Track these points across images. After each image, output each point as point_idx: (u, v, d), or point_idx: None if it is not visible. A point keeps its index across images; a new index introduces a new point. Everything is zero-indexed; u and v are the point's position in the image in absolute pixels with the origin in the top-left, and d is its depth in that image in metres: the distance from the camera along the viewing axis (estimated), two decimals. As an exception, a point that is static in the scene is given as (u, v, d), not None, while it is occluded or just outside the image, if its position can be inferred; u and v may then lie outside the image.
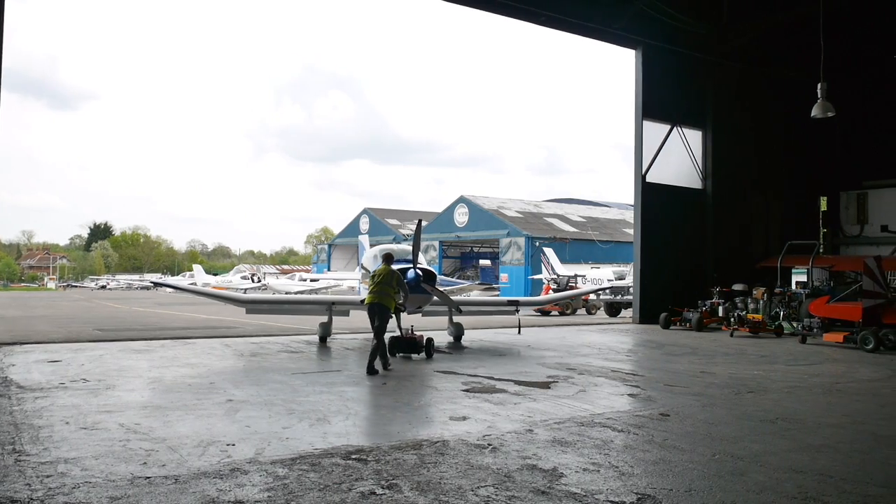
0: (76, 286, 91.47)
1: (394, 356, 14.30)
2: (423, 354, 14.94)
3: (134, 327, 23.28)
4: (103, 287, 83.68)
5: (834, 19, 24.28)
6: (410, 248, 16.86)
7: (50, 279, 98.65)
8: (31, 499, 5.48)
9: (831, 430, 8.66)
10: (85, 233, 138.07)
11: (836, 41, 24.46)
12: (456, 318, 18.36)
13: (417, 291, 14.60)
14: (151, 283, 70.85)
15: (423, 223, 73.64)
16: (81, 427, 8.11)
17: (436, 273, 15.74)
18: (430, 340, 15.01)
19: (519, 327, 18.12)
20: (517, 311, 18.57)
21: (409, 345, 14.80)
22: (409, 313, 16.00)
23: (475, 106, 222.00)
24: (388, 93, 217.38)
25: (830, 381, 13.02)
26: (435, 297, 15.60)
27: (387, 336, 13.52)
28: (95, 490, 5.71)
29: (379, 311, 12.95)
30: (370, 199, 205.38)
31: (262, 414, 9.06)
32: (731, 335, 22.46)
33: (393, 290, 13.07)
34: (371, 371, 12.40)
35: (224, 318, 26.28)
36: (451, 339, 18.44)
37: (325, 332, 17.96)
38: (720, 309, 25.17)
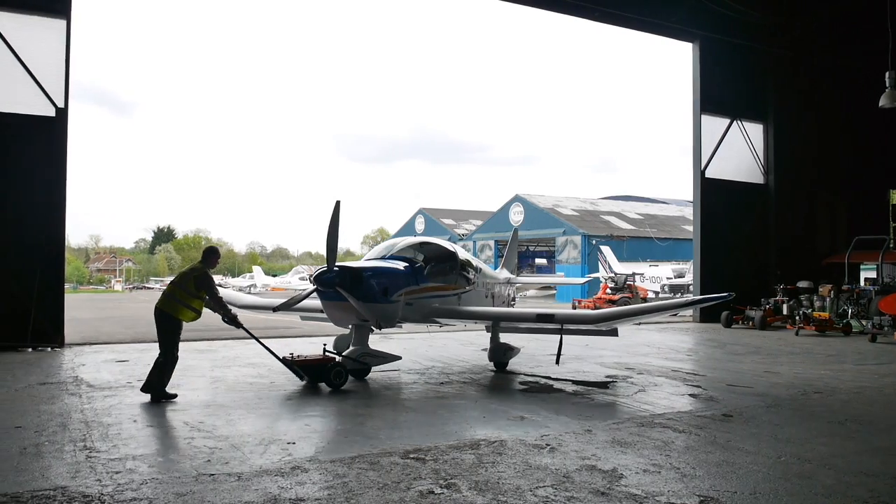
0: (144, 287, 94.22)
1: (309, 382, 11.23)
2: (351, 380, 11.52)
3: (196, 328, 23.78)
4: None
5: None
6: (440, 242, 14.27)
7: (117, 282, 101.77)
8: (102, 494, 5.66)
9: (904, 432, 8.36)
10: (149, 236, 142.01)
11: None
12: (502, 338, 13.73)
13: (332, 298, 11.10)
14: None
15: (478, 222, 72.39)
16: (148, 425, 8.37)
17: (363, 271, 11.28)
18: (333, 367, 10.99)
19: (558, 355, 11.99)
20: (561, 329, 12.08)
21: (308, 369, 11.09)
22: (378, 328, 12.27)
23: (528, 104, 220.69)
24: (440, 93, 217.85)
25: (903, 381, 12.54)
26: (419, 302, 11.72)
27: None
28: (162, 486, 5.87)
29: (160, 319, 10.08)
30: (425, 199, 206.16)
31: (322, 412, 9.18)
32: (797, 334, 21.84)
33: (186, 294, 10.01)
34: (148, 389, 9.90)
35: (282, 318, 26.69)
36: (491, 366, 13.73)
37: (340, 348, 13.13)
38: (784, 307, 24.56)
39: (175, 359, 10.07)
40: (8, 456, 6.76)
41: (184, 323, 10.14)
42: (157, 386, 9.86)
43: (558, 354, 12.01)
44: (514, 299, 17.40)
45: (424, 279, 12.42)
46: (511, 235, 20.48)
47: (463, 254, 14.29)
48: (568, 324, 12.15)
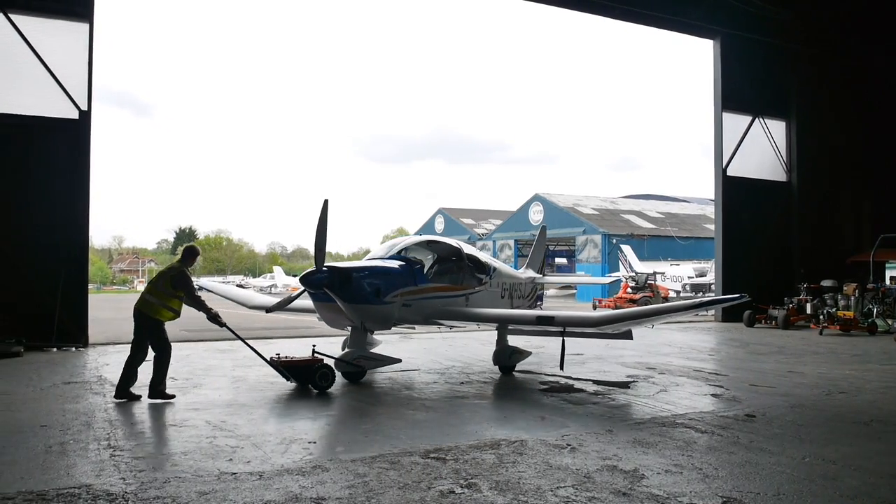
0: None
1: (297, 384, 10.97)
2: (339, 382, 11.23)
3: (215, 328, 23.95)
4: (200, 288, 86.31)
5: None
6: (445, 241, 13.80)
7: (139, 282, 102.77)
8: (126, 492, 5.72)
9: (932, 433, 8.23)
10: (171, 237, 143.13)
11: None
12: (511, 341, 13.19)
13: (323, 299, 10.94)
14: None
15: (497, 222, 72.17)
16: (171, 424, 8.44)
17: (353, 271, 11.02)
18: (319, 369, 10.63)
19: (562, 360, 11.15)
20: (563, 332, 11.29)
21: (294, 371, 10.78)
22: (371, 332, 12.35)
23: (547, 103, 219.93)
24: (458, 92, 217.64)
25: (930, 381, 12.36)
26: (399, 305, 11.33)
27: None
28: (185, 485, 5.91)
29: (139, 320, 10.02)
30: (444, 199, 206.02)
31: (342, 412, 9.22)
32: (821, 333, 21.59)
33: (162, 294, 9.88)
34: (156, 395, 9.76)
35: (303, 318, 26.81)
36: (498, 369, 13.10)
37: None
38: (808, 306, 24.30)
39: (168, 355, 9.93)
40: (34, 454, 6.85)
41: (164, 322, 10.01)
42: (154, 384, 9.75)
43: (562, 358, 11.19)
44: (539, 300, 17.02)
45: (425, 279, 12.02)
46: (538, 234, 19.71)
47: (473, 252, 13.80)
48: (570, 326, 11.32)
